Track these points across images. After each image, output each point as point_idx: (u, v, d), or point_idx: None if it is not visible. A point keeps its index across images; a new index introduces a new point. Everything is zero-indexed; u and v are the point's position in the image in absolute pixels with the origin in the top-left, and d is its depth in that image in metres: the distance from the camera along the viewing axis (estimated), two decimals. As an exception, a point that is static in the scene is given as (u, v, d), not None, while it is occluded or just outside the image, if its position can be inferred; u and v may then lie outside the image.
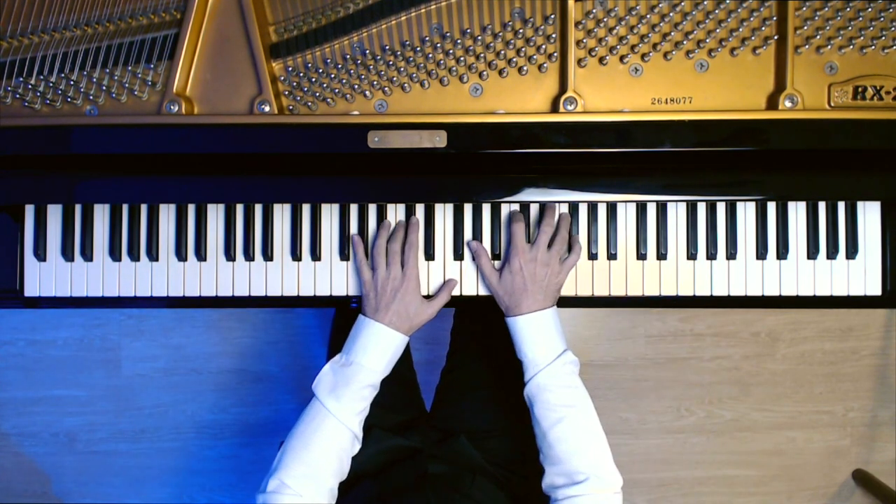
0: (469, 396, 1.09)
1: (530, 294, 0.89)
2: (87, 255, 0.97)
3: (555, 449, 0.83)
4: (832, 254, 0.96)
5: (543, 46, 0.91)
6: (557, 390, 0.86)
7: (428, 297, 0.95)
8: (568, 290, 0.97)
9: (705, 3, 0.90)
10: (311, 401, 0.87)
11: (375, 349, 0.88)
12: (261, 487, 0.82)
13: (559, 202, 0.96)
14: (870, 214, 0.96)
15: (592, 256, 0.97)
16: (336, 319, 1.19)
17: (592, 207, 0.97)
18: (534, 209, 0.97)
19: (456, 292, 0.97)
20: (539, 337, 0.88)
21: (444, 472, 0.95)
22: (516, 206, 0.97)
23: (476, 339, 1.15)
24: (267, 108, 0.91)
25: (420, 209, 0.98)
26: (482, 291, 0.97)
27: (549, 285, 0.90)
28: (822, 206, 0.96)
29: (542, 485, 0.85)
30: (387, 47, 0.91)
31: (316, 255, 0.97)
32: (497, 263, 0.95)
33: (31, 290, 0.98)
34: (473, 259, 0.96)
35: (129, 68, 0.91)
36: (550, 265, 0.91)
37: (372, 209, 0.98)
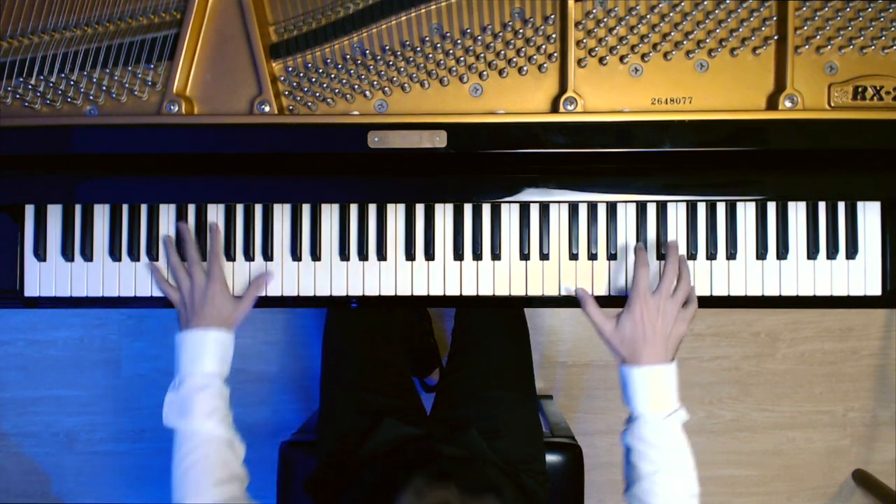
0: (473, 398, 1.09)
1: (650, 345, 0.84)
2: (87, 255, 0.97)
3: (646, 499, 0.82)
4: (832, 254, 0.96)
5: (543, 46, 0.91)
6: (660, 445, 0.82)
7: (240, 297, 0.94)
8: (568, 291, 0.97)
9: (705, 3, 0.90)
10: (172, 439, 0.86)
11: (198, 355, 0.88)
12: None
13: (559, 202, 0.96)
14: (870, 214, 0.96)
15: (592, 257, 0.97)
16: (330, 320, 1.19)
17: (592, 207, 0.97)
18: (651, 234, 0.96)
19: (455, 292, 0.97)
20: (654, 392, 0.84)
21: (455, 454, 0.95)
22: (516, 206, 0.97)
23: (479, 340, 1.15)
24: (267, 108, 0.91)
25: (420, 209, 0.98)
26: (482, 292, 0.97)
27: (670, 337, 0.86)
28: (822, 206, 0.96)
29: None
30: (387, 47, 0.91)
31: (316, 256, 0.97)
32: (606, 309, 0.91)
33: (31, 290, 0.98)
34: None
35: (129, 68, 0.91)
36: (672, 314, 0.86)
37: (372, 209, 0.98)
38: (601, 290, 0.97)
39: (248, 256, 0.98)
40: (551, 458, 1.16)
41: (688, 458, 0.83)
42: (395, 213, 0.98)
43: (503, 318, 1.17)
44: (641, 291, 0.87)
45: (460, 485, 0.82)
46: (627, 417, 0.87)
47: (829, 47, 0.89)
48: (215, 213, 0.98)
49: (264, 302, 0.98)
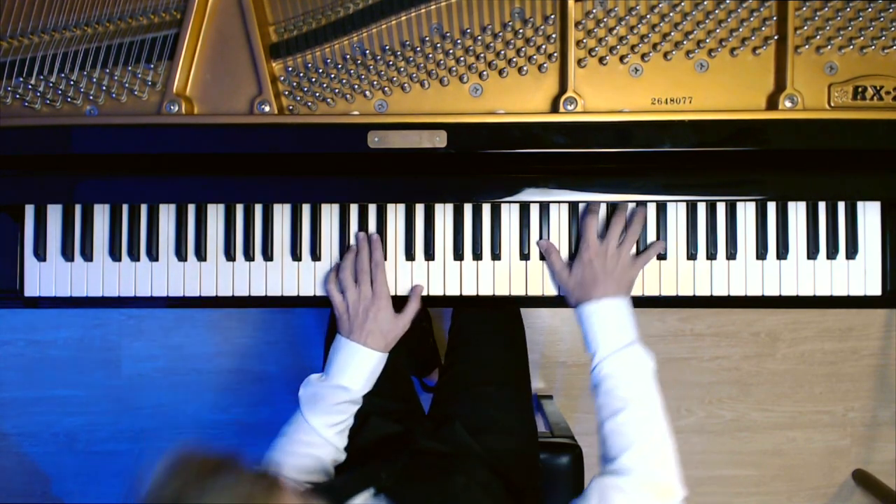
0: (467, 393, 1.09)
1: (601, 283, 0.88)
2: (87, 255, 0.97)
3: (607, 443, 0.79)
4: (832, 254, 0.96)
5: (543, 46, 0.91)
6: (623, 380, 0.81)
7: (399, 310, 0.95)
8: (568, 290, 0.97)
9: (705, 3, 0.90)
10: (296, 412, 0.91)
11: (353, 368, 0.90)
12: None
13: (559, 202, 0.96)
14: (870, 214, 0.96)
15: (592, 256, 0.97)
16: (332, 320, 1.19)
17: (592, 207, 0.97)
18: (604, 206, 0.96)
19: (455, 292, 0.97)
20: (608, 324, 0.85)
21: (433, 449, 0.96)
22: (516, 206, 0.97)
23: (474, 338, 1.15)
24: (267, 108, 0.91)
25: (420, 209, 0.98)
26: (482, 292, 0.97)
27: (620, 277, 0.89)
28: (822, 206, 0.96)
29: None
30: (387, 47, 0.91)
31: (316, 255, 0.97)
32: (567, 258, 0.95)
33: (31, 290, 0.98)
34: (542, 258, 0.96)
35: (129, 68, 0.91)
36: (621, 260, 0.90)
37: (372, 209, 0.98)
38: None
39: (248, 256, 0.98)
40: (551, 457, 1.17)
41: (654, 397, 0.80)
42: (395, 213, 0.98)
43: (498, 317, 1.17)
44: (589, 238, 0.91)
45: (409, 463, 0.84)
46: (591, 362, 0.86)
47: (829, 47, 0.89)
48: (215, 213, 0.98)
49: (265, 302, 0.98)
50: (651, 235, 0.97)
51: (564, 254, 0.96)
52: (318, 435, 0.88)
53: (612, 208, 0.95)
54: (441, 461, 0.93)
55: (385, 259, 0.97)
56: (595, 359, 0.85)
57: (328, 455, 0.90)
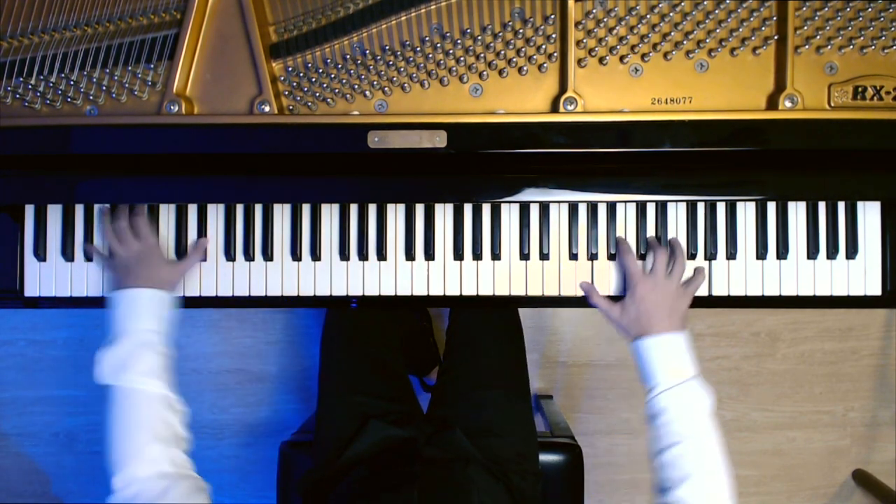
0: (466, 396, 1.09)
1: (658, 319, 0.87)
2: (88, 255, 0.97)
3: (663, 474, 0.79)
4: (832, 254, 0.96)
5: (543, 46, 0.91)
6: (680, 414, 0.81)
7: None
8: (568, 291, 0.97)
9: (705, 3, 0.90)
10: (108, 396, 0.84)
11: (133, 312, 0.87)
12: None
13: (559, 202, 0.96)
14: (870, 214, 0.96)
15: (592, 257, 0.97)
16: (328, 319, 1.19)
17: (592, 207, 0.97)
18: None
19: (455, 292, 0.97)
20: (667, 359, 0.84)
21: (436, 457, 0.95)
22: (516, 206, 0.97)
23: (472, 340, 1.15)
24: (267, 108, 0.91)
25: (420, 209, 0.98)
26: (482, 292, 0.97)
27: (674, 310, 0.88)
28: (822, 206, 0.96)
29: None
30: (387, 47, 0.91)
31: (316, 255, 0.97)
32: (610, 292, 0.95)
33: (31, 290, 0.98)
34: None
35: (129, 68, 0.91)
36: (672, 291, 0.89)
37: (372, 209, 0.98)
38: (602, 290, 0.97)
39: (248, 256, 0.98)
40: (551, 458, 1.16)
41: (711, 434, 0.80)
42: (395, 213, 0.98)
43: (496, 317, 1.17)
44: (636, 273, 0.91)
45: (426, 489, 0.83)
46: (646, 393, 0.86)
47: (829, 47, 0.89)
48: (215, 213, 0.98)
49: (264, 302, 0.98)
50: (651, 235, 0.97)
51: (564, 254, 0.96)
52: (147, 392, 0.81)
53: (648, 243, 0.95)
54: (445, 469, 0.92)
55: (386, 259, 0.97)
56: (653, 392, 0.84)
57: (168, 409, 0.83)
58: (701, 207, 0.97)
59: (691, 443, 0.79)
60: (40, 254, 0.97)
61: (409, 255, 0.97)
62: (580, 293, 0.97)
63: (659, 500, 0.79)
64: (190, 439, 0.84)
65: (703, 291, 0.96)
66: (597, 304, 0.93)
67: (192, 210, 0.98)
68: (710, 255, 0.96)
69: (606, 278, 0.97)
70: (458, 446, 0.99)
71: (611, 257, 0.97)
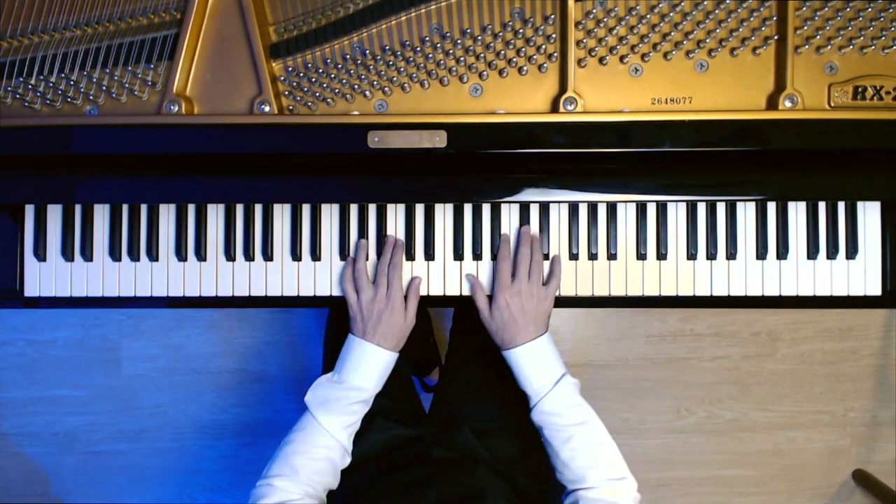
0: (469, 396, 1.09)
1: (521, 327, 0.90)
2: (87, 255, 0.97)
3: (569, 467, 0.85)
4: (832, 254, 0.96)
5: (543, 46, 0.91)
6: (563, 412, 0.87)
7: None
8: (568, 291, 0.97)
9: (705, 3, 0.90)
10: (304, 412, 0.90)
11: (365, 368, 0.91)
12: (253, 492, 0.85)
13: (559, 202, 0.96)
14: (870, 214, 0.96)
15: (592, 256, 0.97)
16: (331, 319, 1.19)
17: (592, 207, 0.97)
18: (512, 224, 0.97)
19: (455, 292, 0.97)
20: (537, 366, 0.89)
21: (446, 457, 0.97)
22: (516, 206, 0.97)
23: (475, 339, 1.15)
24: (267, 108, 0.91)
25: (420, 209, 0.98)
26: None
27: (537, 315, 0.91)
28: (822, 206, 0.96)
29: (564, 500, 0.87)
30: (387, 47, 0.91)
31: (316, 256, 0.97)
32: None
33: (31, 290, 0.98)
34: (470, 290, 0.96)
35: (129, 68, 0.91)
36: (534, 294, 0.92)
37: (372, 209, 0.98)
38: (602, 290, 0.97)
39: (248, 256, 0.98)
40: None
41: (593, 417, 0.88)
42: (395, 213, 0.98)
43: None
44: (502, 280, 0.93)
45: (443, 491, 0.85)
46: (528, 400, 0.91)
47: (829, 47, 0.89)
48: (215, 213, 0.98)
49: (265, 302, 0.98)
50: (651, 235, 0.97)
51: (564, 254, 0.96)
52: (333, 437, 0.88)
53: (518, 241, 0.95)
54: (467, 476, 0.94)
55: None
56: (532, 400, 0.89)
57: (340, 457, 0.90)
58: (701, 207, 0.97)
59: (582, 432, 0.86)
60: (40, 254, 0.97)
61: (409, 255, 0.97)
62: (581, 293, 0.97)
63: (572, 487, 0.85)
64: (337, 482, 0.91)
65: (703, 291, 0.97)
66: (476, 302, 0.95)
67: (192, 210, 0.98)
68: (710, 255, 0.96)
69: (607, 278, 0.97)
70: (467, 446, 1.00)
71: (611, 257, 0.97)
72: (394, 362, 0.93)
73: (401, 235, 0.98)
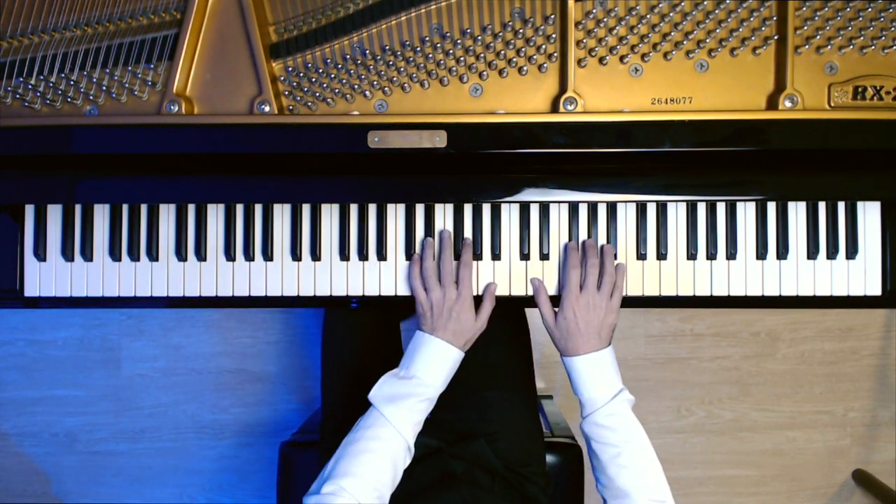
0: (471, 398, 1.09)
1: (585, 338, 0.90)
2: (87, 255, 0.97)
3: (615, 482, 0.85)
4: (832, 254, 0.96)
5: (543, 46, 0.91)
6: (616, 427, 0.87)
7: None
8: (568, 290, 0.97)
9: (705, 3, 0.90)
10: (368, 410, 0.88)
11: (434, 364, 0.90)
12: (312, 490, 0.81)
13: (559, 202, 0.96)
14: (870, 214, 0.96)
15: (592, 256, 0.97)
16: (327, 319, 1.19)
17: (592, 207, 0.97)
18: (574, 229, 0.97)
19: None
20: (596, 377, 0.90)
21: (466, 471, 0.97)
22: (516, 206, 0.97)
23: (479, 340, 1.15)
24: (267, 108, 0.91)
25: (420, 209, 0.98)
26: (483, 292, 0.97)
27: (602, 327, 0.91)
28: (822, 206, 0.96)
29: None
30: (387, 47, 0.91)
31: (316, 256, 0.97)
32: (556, 296, 0.96)
33: (31, 290, 0.98)
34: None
35: (129, 68, 0.91)
36: (602, 307, 0.91)
37: (372, 209, 0.98)
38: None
39: (248, 256, 0.98)
40: (551, 458, 1.16)
41: (643, 436, 0.88)
42: (395, 213, 0.98)
43: (502, 318, 1.16)
44: (572, 290, 0.92)
45: None
46: (581, 409, 0.91)
47: (829, 47, 0.89)
48: (215, 213, 0.98)
49: (265, 302, 0.98)
50: (651, 235, 0.97)
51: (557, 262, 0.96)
52: (400, 435, 0.86)
53: (583, 249, 0.95)
54: (475, 486, 0.94)
55: (387, 259, 0.97)
56: (586, 409, 0.90)
57: (403, 458, 0.87)
58: (701, 207, 0.97)
59: (631, 448, 0.86)
60: (40, 254, 0.97)
61: (410, 256, 0.97)
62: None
63: (613, 501, 0.86)
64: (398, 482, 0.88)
65: (703, 291, 0.97)
66: (540, 307, 0.95)
67: (192, 210, 0.98)
68: (710, 255, 0.96)
69: (606, 278, 0.97)
70: (481, 455, 1.00)
71: (611, 257, 0.97)
72: (459, 362, 0.93)
73: (401, 235, 0.98)
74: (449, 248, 0.95)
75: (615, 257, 0.96)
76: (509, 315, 1.18)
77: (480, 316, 0.94)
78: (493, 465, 0.99)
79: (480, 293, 0.97)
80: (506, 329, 1.16)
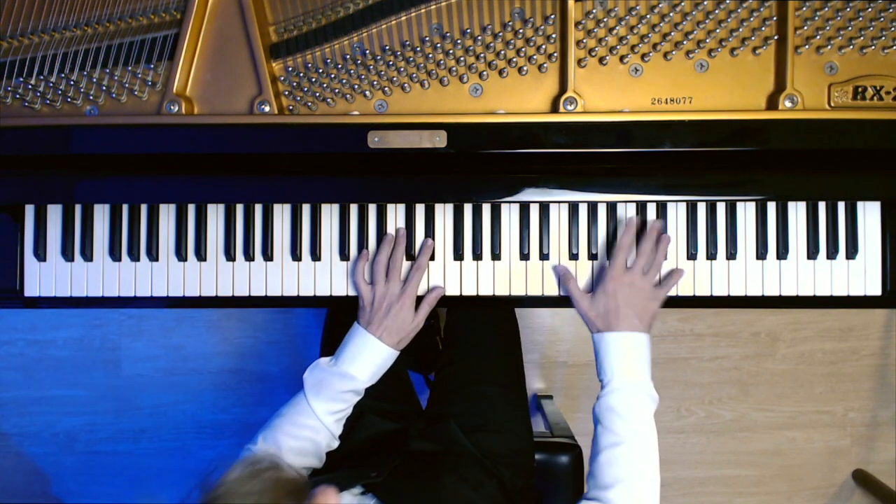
0: (460, 392, 1.09)
1: (624, 316, 0.88)
2: (87, 255, 0.97)
3: (603, 470, 0.81)
4: (832, 254, 0.96)
5: (543, 46, 0.91)
6: (626, 415, 0.83)
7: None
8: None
9: (705, 3, 0.90)
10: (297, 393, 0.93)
11: (363, 359, 0.91)
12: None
13: (559, 202, 0.96)
14: (870, 214, 0.96)
15: (592, 257, 0.97)
16: (328, 318, 1.19)
17: (592, 207, 0.97)
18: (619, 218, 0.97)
19: (455, 292, 0.97)
20: (625, 358, 0.86)
21: (424, 449, 0.97)
22: (516, 206, 0.97)
23: (468, 337, 1.15)
24: (267, 108, 0.91)
25: (420, 209, 0.98)
26: (482, 292, 0.97)
27: (642, 310, 0.89)
28: (822, 206, 0.96)
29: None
30: (387, 47, 0.91)
31: (316, 256, 0.97)
32: (583, 285, 0.96)
33: (31, 290, 0.98)
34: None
35: (129, 68, 0.91)
36: (646, 290, 0.90)
37: (372, 209, 0.98)
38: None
39: (248, 256, 0.98)
40: (551, 458, 1.16)
41: (653, 441, 0.83)
42: (395, 213, 0.98)
43: (492, 315, 1.17)
44: (617, 267, 0.91)
45: (397, 478, 0.85)
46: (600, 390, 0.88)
47: (829, 47, 0.89)
48: (215, 213, 0.98)
49: (265, 302, 0.98)
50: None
51: (564, 254, 0.96)
52: (319, 420, 0.89)
53: (641, 232, 0.94)
54: (433, 461, 0.94)
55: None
56: (607, 387, 0.85)
57: (324, 440, 0.91)
58: (701, 207, 0.97)
59: (635, 445, 0.82)
60: (40, 254, 0.97)
61: (410, 255, 0.97)
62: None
63: (593, 493, 0.80)
64: (323, 461, 0.93)
65: (703, 291, 0.97)
66: (569, 291, 0.94)
67: (192, 210, 0.98)
68: (710, 255, 0.96)
69: (606, 278, 0.97)
70: (452, 439, 0.99)
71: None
72: (392, 360, 0.93)
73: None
74: (401, 246, 0.95)
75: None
76: (500, 313, 1.18)
77: (417, 316, 0.94)
78: (463, 449, 0.98)
79: (489, 294, 0.96)
80: (496, 327, 1.17)
